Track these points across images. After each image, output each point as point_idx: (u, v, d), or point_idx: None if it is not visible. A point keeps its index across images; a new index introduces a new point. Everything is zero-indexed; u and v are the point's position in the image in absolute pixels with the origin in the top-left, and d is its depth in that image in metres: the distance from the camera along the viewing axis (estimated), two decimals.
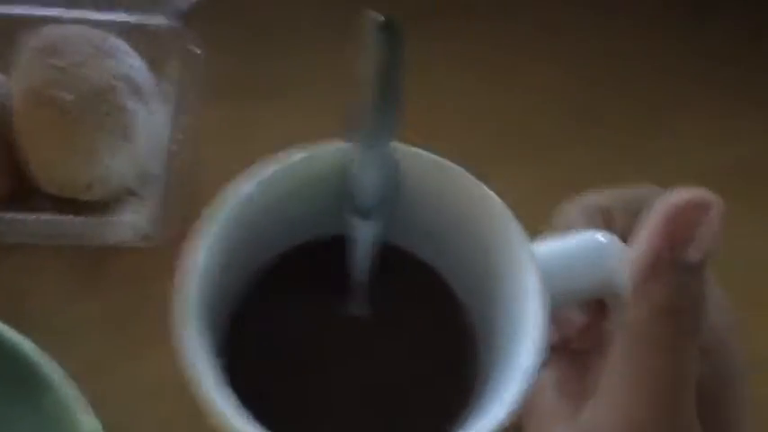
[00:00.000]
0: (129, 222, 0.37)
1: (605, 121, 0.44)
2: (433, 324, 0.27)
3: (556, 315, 0.26)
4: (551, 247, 0.24)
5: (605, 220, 0.27)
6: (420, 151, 0.24)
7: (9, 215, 0.35)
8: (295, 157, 0.23)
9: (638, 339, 0.22)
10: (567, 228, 0.26)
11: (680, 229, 0.22)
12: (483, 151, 0.37)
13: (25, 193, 0.37)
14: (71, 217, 0.36)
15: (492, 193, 0.24)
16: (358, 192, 0.24)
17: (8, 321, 0.32)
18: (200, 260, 0.22)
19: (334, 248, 0.26)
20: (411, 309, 0.27)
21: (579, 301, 0.25)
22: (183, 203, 0.36)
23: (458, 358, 0.26)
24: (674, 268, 0.22)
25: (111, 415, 0.31)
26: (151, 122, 0.37)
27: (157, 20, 0.38)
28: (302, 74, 0.44)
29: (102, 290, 0.37)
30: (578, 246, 0.24)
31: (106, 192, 0.36)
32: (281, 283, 0.26)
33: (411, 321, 0.27)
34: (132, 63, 0.37)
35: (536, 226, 0.26)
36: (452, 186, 0.24)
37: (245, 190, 0.23)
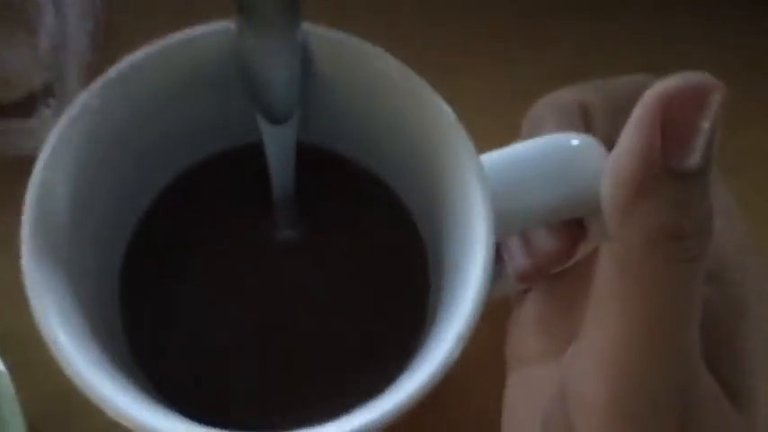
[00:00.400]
0: (46, 127, 0.32)
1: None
2: (377, 241, 0.22)
3: (525, 239, 0.22)
4: (510, 153, 0.19)
5: (584, 122, 0.21)
6: (334, 32, 0.19)
7: None
8: (163, 46, 0.18)
9: (629, 273, 0.17)
10: (537, 131, 0.21)
11: (674, 125, 0.17)
12: (434, 43, 0.31)
13: None
14: None
15: (426, 87, 0.18)
16: (261, 89, 0.19)
17: None
18: (50, 189, 0.18)
19: (248, 160, 0.21)
20: (350, 223, 0.22)
21: (550, 221, 0.21)
22: None
23: (407, 281, 0.22)
24: (670, 178, 0.17)
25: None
26: (59, 9, 0.32)
27: None
28: None
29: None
30: (544, 151, 0.19)
31: (13, 92, 0.31)
32: (185, 207, 0.21)
33: (350, 239, 0.22)
34: None
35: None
36: (379, 78, 0.19)
37: (94, 92, 0.18)
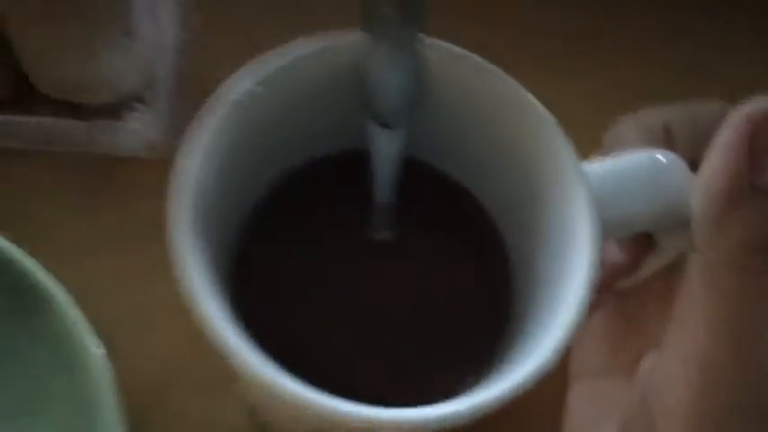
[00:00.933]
0: (134, 129, 0.33)
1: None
2: (464, 251, 0.24)
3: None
4: (602, 167, 0.21)
5: (666, 140, 0.23)
6: (452, 47, 0.20)
7: (3, 117, 0.32)
8: (302, 51, 0.20)
9: (717, 284, 0.18)
10: (621, 147, 0.22)
11: (761, 144, 0.18)
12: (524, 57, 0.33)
13: (24, 96, 0.34)
14: (69, 120, 0.32)
15: (536, 102, 0.20)
16: (377, 94, 0.20)
17: (6, 234, 0.30)
18: (194, 169, 0.19)
19: (354, 164, 0.22)
20: (440, 233, 0.24)
21: (632, 233, 0.22)
22: (194, 110, 0.33)
23: (491, 291, 0.23)
24: (758, 193, 0.18)
25: (112, 338, 0.29)
26: (155, 18, 0.34)
27: None
28: None
29: (106, 203, 0.34)
30: (634, 166, 0.21)
31: (107, 95, 0.33)
32: (294, 202, 0.23)
33: (440, 247, 0.24)
34: None
35: (585, 149, 0.22)
36: (489, 91, 0.20)
37: (241, 89, 0.20)
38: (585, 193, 0.19)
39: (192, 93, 0.33)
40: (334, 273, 0.23)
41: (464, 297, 0.23)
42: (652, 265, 0.24)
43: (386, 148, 0.21)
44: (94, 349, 0.28)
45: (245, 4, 0.38)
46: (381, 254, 0.23)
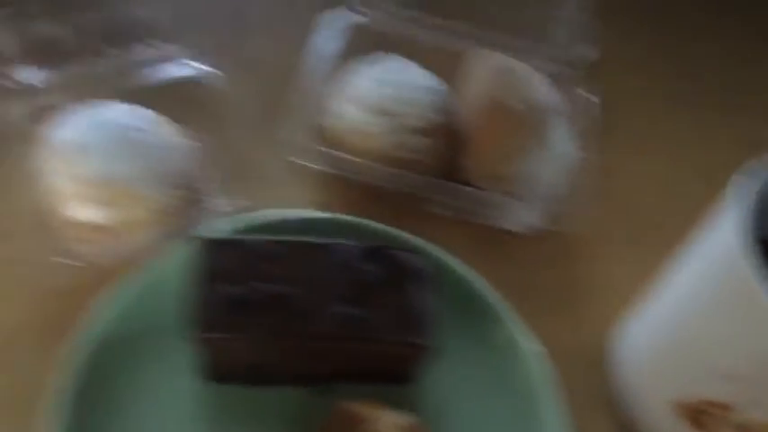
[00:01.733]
0: (525, 213, 0.45)
1: None
2: None
3: None
4: None
5: None
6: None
7: (431, 184, 0.45)
8: None
9: None
10: None
11: None
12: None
13: (446, 178, 0.47)
14: (488, 192, 0.45)
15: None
16: None
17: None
18: None
19: None
20: None
21: None
22: (567, 209, 0.45)
23: None
24: None
25: None
26: (560, 140, 0.47)
27: (565, 61, 0.50)
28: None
29: (498, 263, 0.46)
30: None
31: (514, 186, 0.45)
32: None
33: None
34: (552, 92, 0.47)
35: None
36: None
37: None
38: None
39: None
40: None
41: None
42: None
43: None
44: (532, 349, 0.38)
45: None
46: None
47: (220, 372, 0.38)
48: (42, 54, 0.48)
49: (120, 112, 0.44)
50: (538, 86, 0.47)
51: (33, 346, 0.40)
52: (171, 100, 0.46)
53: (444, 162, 0.47)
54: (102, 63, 0.48)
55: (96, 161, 0.41)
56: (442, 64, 0.50)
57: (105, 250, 0.41)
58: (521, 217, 0.47)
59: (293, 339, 0.35)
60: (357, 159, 0.45)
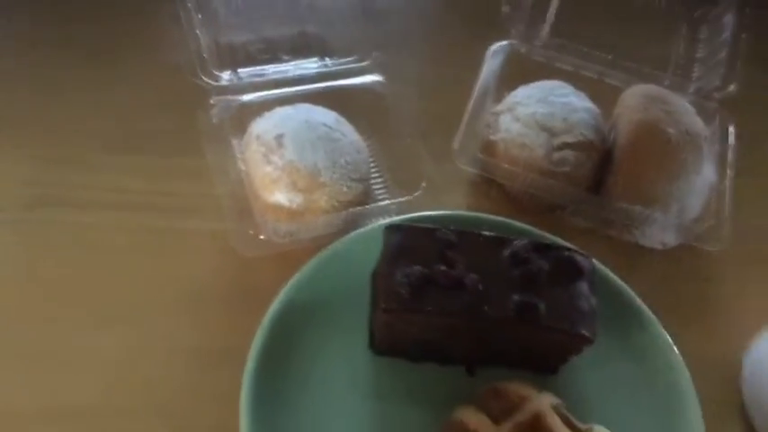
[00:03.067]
0: (665, 231, 0.49)
1: None
2: None
3: None
4: None
5: None
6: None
7: (581, 196, 0.50)
8: None
9: None
10: None
11: None
12: None
13: (593, 193, 0.50)
14: (632, 208, 0.48)
15: None
16: None
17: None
18: None
19: None
20: None
21: None
22: (705, 229, 0.48)
23: None
24: None
25: None
26: (703, 165, 0.50)
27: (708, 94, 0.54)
28: None
29: (637, 276, 0.49)
30: None
31: (658, 205, 0.49)
32: None
33: None
34: (698, 121, 0.51)
35: None
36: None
37: None
38: None
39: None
40: None
41: None
42: None
43: None
44: (675, 356, 0.41)
45: None
46: None
47: (388, 345, 0.42)
48: (235, 59, 0.55)
49: (309, 111, 0.50)
50: (688, 114, 0.51)
51: (220, 307, 0.46)
52: (350, 105, 0.52)
53: (594, 177, 0.51)
54: (289, 70, 0.54)
55: (289, 151, 0.47)
56: (596, 89, 0.54)
57: (292, 231, 0.46)
58: (660, 234, 0.50)
59: (472, 321, 0.39)
60: (517, 169, 0.50)
